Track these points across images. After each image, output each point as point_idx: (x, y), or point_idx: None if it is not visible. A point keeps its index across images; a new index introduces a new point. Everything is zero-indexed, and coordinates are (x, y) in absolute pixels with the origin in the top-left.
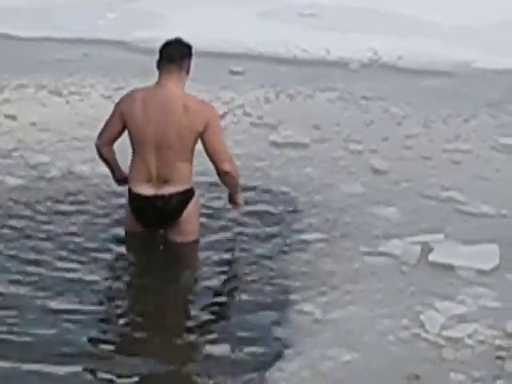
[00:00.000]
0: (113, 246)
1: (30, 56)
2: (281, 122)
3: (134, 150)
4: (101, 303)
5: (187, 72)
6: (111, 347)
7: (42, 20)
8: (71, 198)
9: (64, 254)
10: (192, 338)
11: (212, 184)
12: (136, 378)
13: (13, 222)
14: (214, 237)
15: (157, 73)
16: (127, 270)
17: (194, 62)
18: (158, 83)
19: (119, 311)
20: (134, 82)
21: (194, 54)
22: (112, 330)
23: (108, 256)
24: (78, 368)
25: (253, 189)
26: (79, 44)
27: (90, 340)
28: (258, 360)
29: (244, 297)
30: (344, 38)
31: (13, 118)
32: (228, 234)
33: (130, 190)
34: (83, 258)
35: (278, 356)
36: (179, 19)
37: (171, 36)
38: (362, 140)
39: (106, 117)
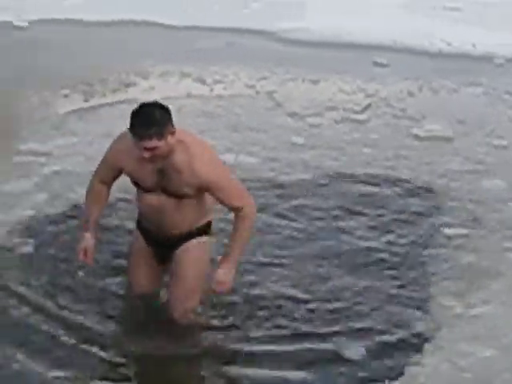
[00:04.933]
0: None
1: (174, 44)
2: (424, 116)
3: None
4: None
5: None
6: None
7: (187, 8)
8: None
9: None
10: (324, 333)
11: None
12: None
13: None
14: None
15: (304, 65)
16: None
17: (338, 54)
18: None
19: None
20: (278, 71)
21: (339, 45)
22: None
23: None
24: None
25: (394, 182)
26: (223, 33)
27: None
28: (397, 354)
29: (382, 290)
30: (489, 33)
31: None
32: (367, 224)
33: None
34: None
35: (418, 350)
36: (321, 10)
37: (314, 26)
38: (506, 135)
39: (249, 106)
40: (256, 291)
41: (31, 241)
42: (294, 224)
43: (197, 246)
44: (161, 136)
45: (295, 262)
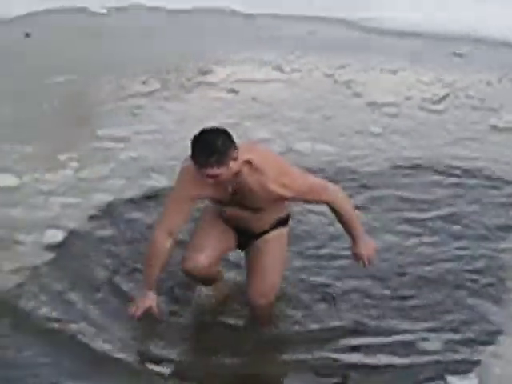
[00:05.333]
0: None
1: (254, 32)
2: (502, 107)
3: None
4: None
5: None
6: None
7: None
8: None
9: None
10: (401, 326)
11: None
12: None
13: None
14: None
15: (383, 54)
16: None
17: (416, 44)
18: None
19: None
20: (356, 60)
21: (418, 35)
22: None
23: None
24: None
25: (471, 172)
26: (303, 21)
27: None
28: (472, 346)
29: (457, 283)
30: None
31: (235, 92)
32: (443, 215)
33: None
34: None
35: (493, 342)
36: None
37: (393, 16)
38: None
39: (327, 95)
40: (330, 286)
41: (107, 225)
42: (369, 215)
43: (277, 237)
44: (221, 164)
45: None
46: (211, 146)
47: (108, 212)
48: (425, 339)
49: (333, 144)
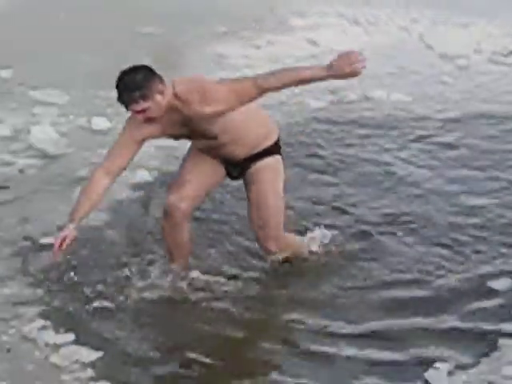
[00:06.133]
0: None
1: None
2: None
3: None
4: None
5: None
6: None
7: None
8: (368, 122)
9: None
10: (472, 266)
11: None
12: None
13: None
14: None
15: (455, 8)
16: None
17: None
18: None
19: None
20: (429, 14)
21: None
22: None
23: None
24: None
25: None
26: None
27: None
28: None
29: None
30: None
31: (313, 43)
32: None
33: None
34: None
35: None
36: None
37: None
38: None
39: (401, 47)
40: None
41: None
42: (431, 160)
43: (268, 166)
44: (146, 97)
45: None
46: (132, 82)
47: None
48: (493, 278)
49: (407, 93)
